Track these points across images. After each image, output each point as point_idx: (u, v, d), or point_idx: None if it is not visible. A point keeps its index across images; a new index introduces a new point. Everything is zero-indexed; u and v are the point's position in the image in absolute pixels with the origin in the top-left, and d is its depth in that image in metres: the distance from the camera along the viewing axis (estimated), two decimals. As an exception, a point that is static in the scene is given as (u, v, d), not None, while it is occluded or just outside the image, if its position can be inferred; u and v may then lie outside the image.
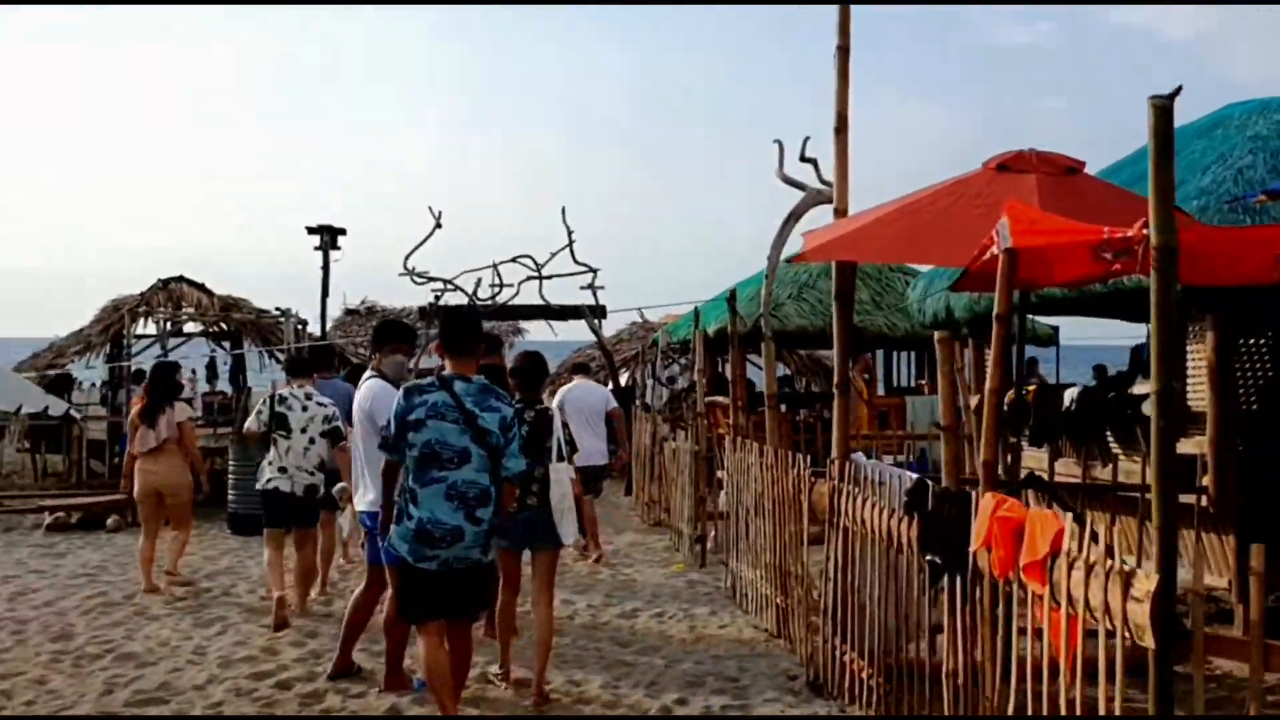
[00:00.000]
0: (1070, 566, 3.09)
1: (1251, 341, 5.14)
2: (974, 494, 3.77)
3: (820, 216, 6.53)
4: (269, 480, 6.88)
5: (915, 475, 4.44)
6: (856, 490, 4.86)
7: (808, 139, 6.67)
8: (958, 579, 3.88)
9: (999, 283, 3.75)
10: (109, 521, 10.64)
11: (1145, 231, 2.84)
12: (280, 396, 6.99)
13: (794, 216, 6.83)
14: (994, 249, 3.84)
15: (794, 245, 6.94)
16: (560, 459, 5.20)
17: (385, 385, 5.35)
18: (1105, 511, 5.05)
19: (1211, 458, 4.81)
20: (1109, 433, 5.71)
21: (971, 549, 3.69)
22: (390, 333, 5.70)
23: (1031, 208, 3.99)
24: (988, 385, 3.83)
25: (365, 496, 5.40)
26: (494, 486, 4.48)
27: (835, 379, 5.51)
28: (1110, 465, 5.48)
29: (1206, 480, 4.94)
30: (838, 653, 5.03)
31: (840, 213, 5.59)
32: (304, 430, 6.90)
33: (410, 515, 4.42)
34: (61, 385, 14.51)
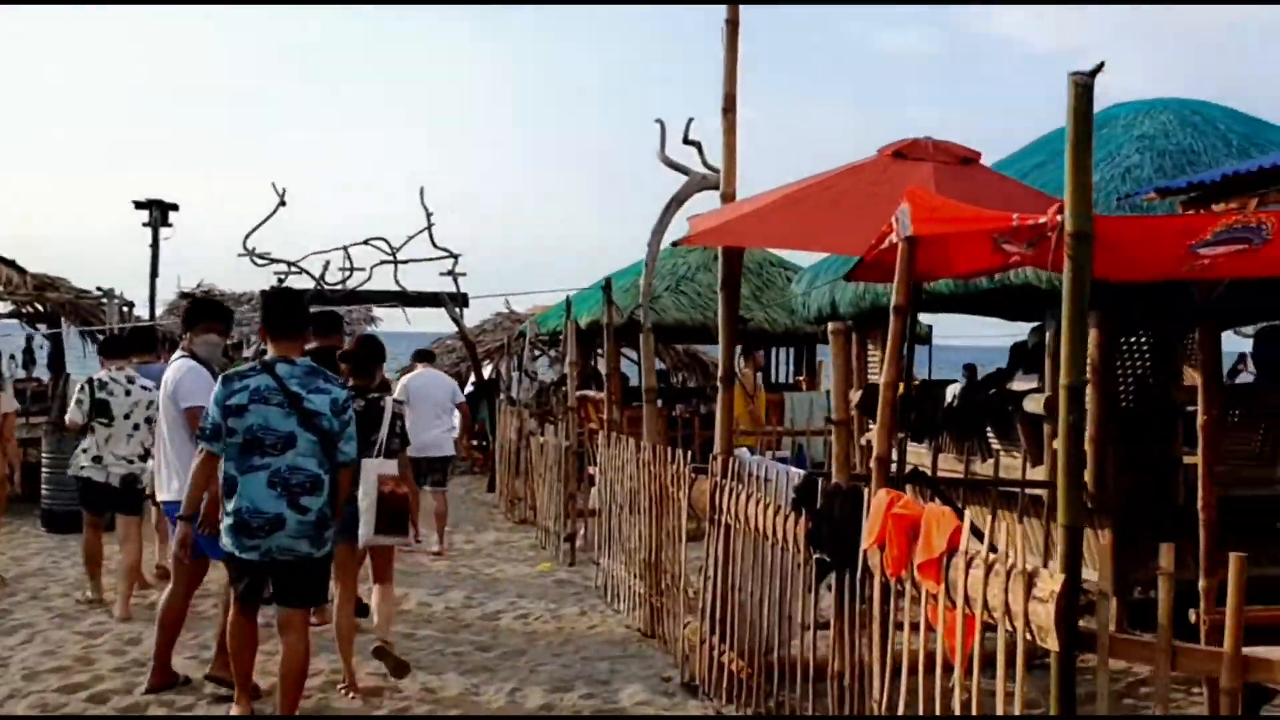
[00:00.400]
0: (969, 565, 2.97)
1: (1132, 340, 5.26)
2: (865, 490, 3.63)
3: (704, 203, 6.33)
4: (81, 468, 6.49)
5: (801, 471, 4.31)
6: (740, 487, 4.70)
7: (691, 120, 6.46)
8: (846, 577, 3.75)
9: (898, 272, 3.59)
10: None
11: (1059, 218, 2.71)
12: (100, 381, 6.55)
13: (676, 202, 6.58)
14: (893, 236, 3.69)
15: (675, 233, 6.70)
16: (382, 454, 4.93)
17: (195, 366, 5.06)
18: (985, 506, 5.06)
19: (1092, 454, 4.88)
20: (989, 428, 5.76)
21: (863, 547, 3.55)
22: (202, 312, 5.51)
23: (933, 194, 3.87)
24: (883, 379, 3.68)
25: (170, 485, 5.04)
26: (326, 473, 4.24)
27: (720, 372, 5.31)
28: (990, 460, 5.52)
29: (1086, 476, 5.01)
30: (715, 652, 4.87)
31: (728, 197, 5.38)
32: (128, 416, 6.49)
33: (230, 507, 4.19)
34: None
